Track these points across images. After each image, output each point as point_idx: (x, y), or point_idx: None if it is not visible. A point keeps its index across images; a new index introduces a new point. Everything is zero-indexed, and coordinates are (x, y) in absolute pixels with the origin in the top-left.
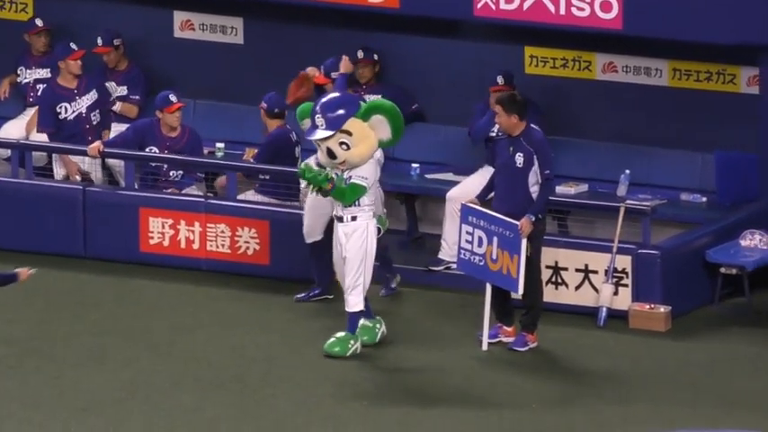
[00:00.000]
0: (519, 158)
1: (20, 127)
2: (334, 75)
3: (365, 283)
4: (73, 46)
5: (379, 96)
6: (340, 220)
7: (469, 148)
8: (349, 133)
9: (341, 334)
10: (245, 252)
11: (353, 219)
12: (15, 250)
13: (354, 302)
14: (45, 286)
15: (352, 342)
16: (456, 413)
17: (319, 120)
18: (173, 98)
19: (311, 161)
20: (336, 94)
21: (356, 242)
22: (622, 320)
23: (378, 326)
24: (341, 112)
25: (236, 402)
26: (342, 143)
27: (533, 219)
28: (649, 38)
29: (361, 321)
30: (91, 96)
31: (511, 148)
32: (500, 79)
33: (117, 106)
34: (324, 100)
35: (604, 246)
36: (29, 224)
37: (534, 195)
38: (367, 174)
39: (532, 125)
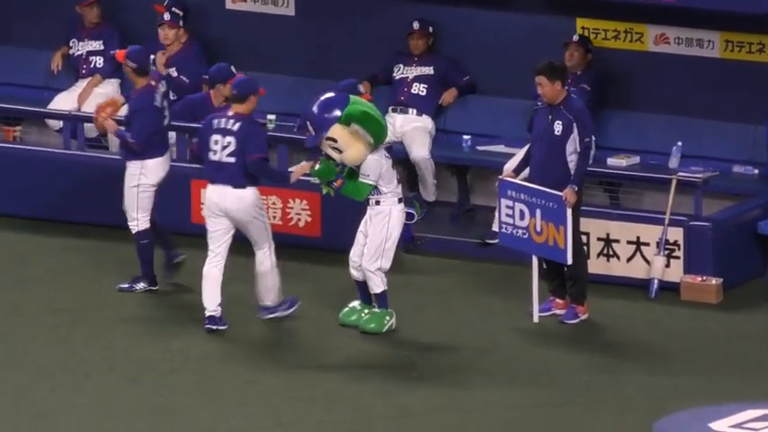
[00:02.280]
0: (557, 127)
1: (72, 99)
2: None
3: (383, 266)
4: (233, 69)
5: (431, 68)
6: (368, 202)
7: (521, 119)
8: (334, 140)
9: (376, 310)
10: (297, 224)
11: (377, 203)
12: (67, 221)
13: (376, 284)
14: (96, 257)
15: (387, 318)
16: (506, 385)
17: (309, 126)
18: (234, 70)
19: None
20: (323, 98)
21: (377, 226)
22: (674, 292)
23: (388, 317)
24: (323, 118)
25: (287, 373)
26: (333, 148)
27: (577, 188)
28: (701, 9)
29: (374, 309)
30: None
31: (550, 117)
32: (575, 37)
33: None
34: (312, 106)
35: (656, 218)
36: (81, 196)
37: (571, 165)
38: (369, 171)
39: (572, 94)
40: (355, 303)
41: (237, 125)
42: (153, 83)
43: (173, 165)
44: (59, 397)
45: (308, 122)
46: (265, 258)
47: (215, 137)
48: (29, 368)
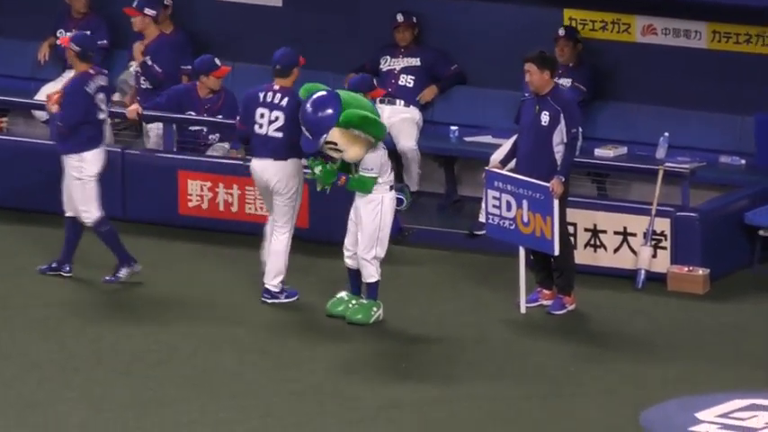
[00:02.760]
0: (545, 117)
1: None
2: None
3: (378, 254)
4: (218, 61)
5: (417, 60)
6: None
7: (508, 110)
8: (334, 143)
9: (363, 301)
10: None
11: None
12: (54, 213)
13: (369, 274)
14: (83, 248)
15: (374, 309)
16: (494, 376)
17: (306, 132)
18: (218, 62)
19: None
20: (315, 99)
21: (370, 214)
22: (661, 283)
23: (375, 308)
24: (320, 122)
25: (274, 365)
26: (334, 149)
27: (564, 179)
28: (689, 0)
29: (362, 300)
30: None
31: (537, 107)
32: (561, 31)
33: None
34: (307, 110)
35: (643, 208)
36: None
37: (558, 156)
38: (372, 164)
39: (560, 84)
40: (343, 294)
41: (285, 100)
42: (92, 71)
43: (160, 155)
44: (48, 389)
45: (304, 127)
46: (283, 239)
47: (261, 110)
48: (17, 360)
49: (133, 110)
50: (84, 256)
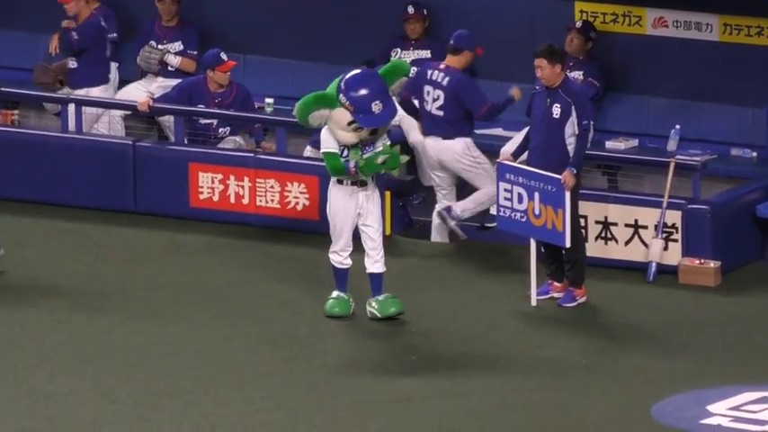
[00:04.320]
0: (556, 110)
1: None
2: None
3: None
4: (223, 56)
5: (428, 52)
6: (363, 184)
7: (519, 103)
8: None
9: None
10: (295, 207)
11: (369, 182)
12: (66, 205)
13: (384, 264)
14: (95, 241)
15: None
16: (504, 368)
17: (379, 105)
18: (224, 56)
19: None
20: (374, 77)
21: (377, 207)
22: (672, 276)
23: (351, 301)
24: (383, 87)
25: (285, 357)
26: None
27: (575, 171)
28: None
29: (338, 294)
30: None
31: (548, 100)
32: (579, 23)
33: (176, 61)
34: (376, 87)
35: (654, 201)
36: (79, 179)
37: (570, 148)
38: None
39: (570, 77)
40: (342, 294)
41: (447, 79)
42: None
43: (171, 148)
44: (60, 381)
45: (378, 101)
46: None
47: (427, 87)
48: (29, 352)
49: (144, 102)
50: (96, 249)
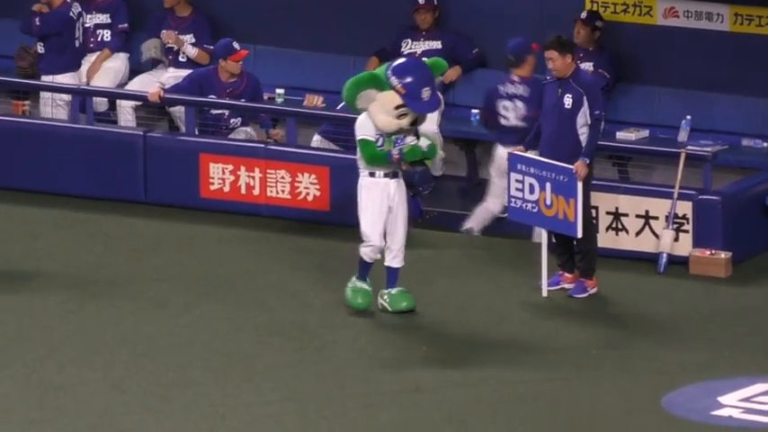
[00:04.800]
0: (567, 100)
1: (80, 73)
2: None
3: None
4: (236, 45)
5: (439, 42)
6: (395, 175)
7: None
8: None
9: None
10: (306, 198)
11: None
12: (76, 195)
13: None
14: (105, 231)
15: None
16: (515, 359)
17: (429, 91)
18: (236, 46)
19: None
20: (424, 66)
21: (404, 199)
22: (683, 266)
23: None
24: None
25: (295, 348)
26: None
27: (588, 161)
28: None
29: (361, 285)
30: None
31: (560, 90)
32: (584, 14)
33: (193, 52)
34: (427, 75)
35: (665, 192)
36: (89, 170)
37: (582, 138)
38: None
39: (581, 67)
40: (365, 285)
41: (528, 90)
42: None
43: (182, 138)
44: (70, 372)
45: (428, 88)
46: None
47: (504, 102)
48: (39, 343)
49: (155, 93)
50: (106, 239)
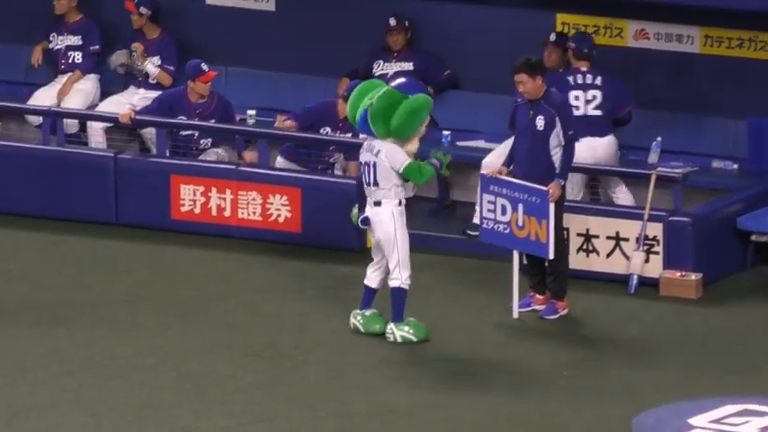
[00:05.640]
0: (539, 122)
1: (51, 95)
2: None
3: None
4: (204, 67)
5: (410, 64)
6: (401, 203)
7: (501, 115)
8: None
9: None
10: (277, 219)
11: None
12: (47, 217)
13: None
14: (76, 253)
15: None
16: (487, 380)
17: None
18: (205, 67)
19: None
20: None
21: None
22: (653, 288)
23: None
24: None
25: (268, 370)
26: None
27: (562, 182)
28: (681, 4)
29: (413, 319)
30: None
31: (531, 112)
32: (552, 36)
33: (153, 71)
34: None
35: (636, 213)
36: (60, 191)
37: (555, 158)
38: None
39: (551, 88)
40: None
41: (600, 78)
42: None
43: (153, 159)
44: (41, 394)
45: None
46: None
47: (575, 92)
48: (9, 364)
49: (126, 114)
50: (77, 261)
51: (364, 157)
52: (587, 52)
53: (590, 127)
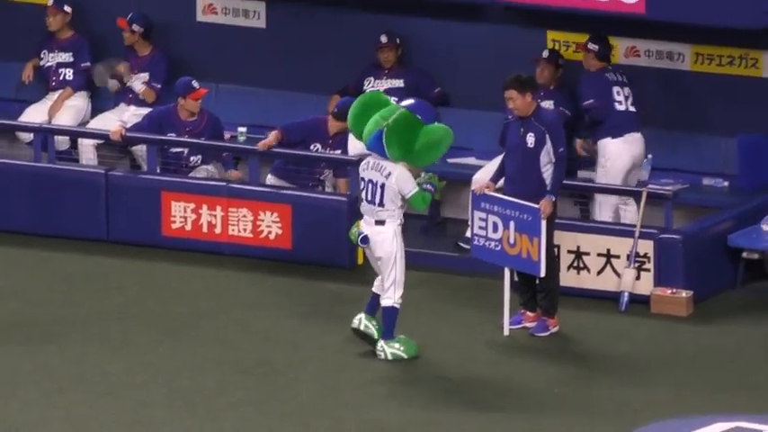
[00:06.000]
0: (530, 139)
1: (42, 111)
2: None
3: None
4: (195, 84)
5: (401, 81)
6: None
7: (492, 132)
8: None
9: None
10: (267, 236)
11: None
12: (38, 234)
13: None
14: (67, 270)
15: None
16: (479, 397)
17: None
18: (195, 84)
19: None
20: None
21: None
22: (644, 305)
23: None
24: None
25: (259, 386)
26: None
27: (553, 198)
28: (672, 22)
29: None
30: None
31: (522, 129)
32: (545, 53)
33: (139, 88)
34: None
35: (626, 230)
36: (51, 208)
37: (546, 176)
38: None
39: (542, 105)
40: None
41: (626, 77)
42: None
43: (144, 176)
44: (32, 411)
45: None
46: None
47: (615, 88)
48: (1, 382)
49: (117, 131)
50: (68, 277)
51: (369, 174)
52: (608, 53)
53: (630, 122)
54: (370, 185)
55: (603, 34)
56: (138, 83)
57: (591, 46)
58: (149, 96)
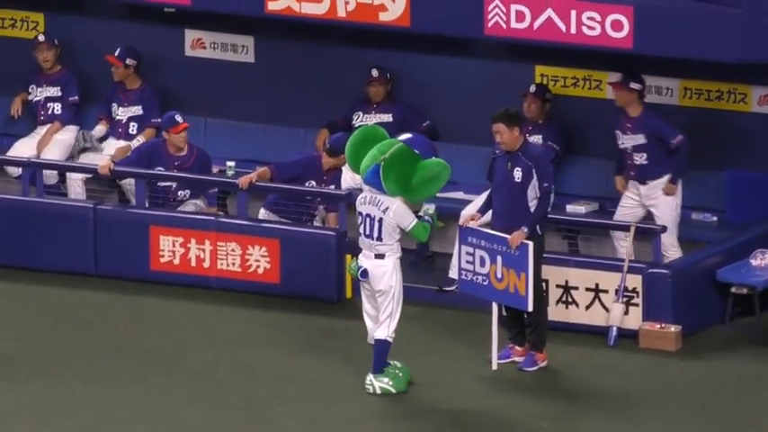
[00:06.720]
0: (517, 173)
1: (31, 145)
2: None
3: None
4: (178, 118)
5: (390, 115)
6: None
7: (480, 166)
8: None
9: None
10: (256, 270)
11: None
12: (26, 268)
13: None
14: (54, 304)
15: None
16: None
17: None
18: (179, 119)
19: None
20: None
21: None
22: (633, 340)
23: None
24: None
25: (245, 421)
26: None
27: (526, 230)
28: (660, 57)
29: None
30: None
31: (509, 164)
32: (532, 88)
33: (141, 138)
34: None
35: (615, 265)
36: (40, 242)
37: (533, 210)
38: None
39: (530, 140)
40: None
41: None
42: None
43: (132, 210)
44: None
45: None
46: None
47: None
48: None
49: (105, 165)
50: (55, 312)
51: (367, 209)
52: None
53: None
54: (367, 220)
55: (635, 71)
56: (136, 142)
57: (634, 85)
58: (151, 136)
